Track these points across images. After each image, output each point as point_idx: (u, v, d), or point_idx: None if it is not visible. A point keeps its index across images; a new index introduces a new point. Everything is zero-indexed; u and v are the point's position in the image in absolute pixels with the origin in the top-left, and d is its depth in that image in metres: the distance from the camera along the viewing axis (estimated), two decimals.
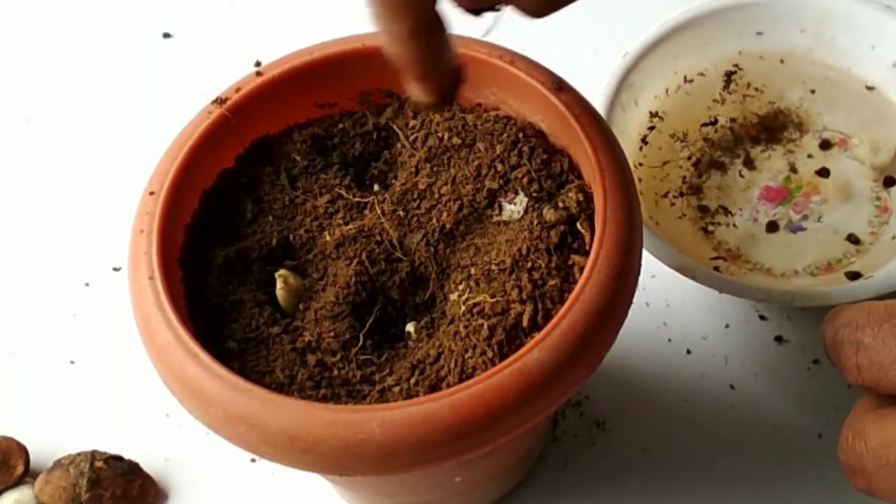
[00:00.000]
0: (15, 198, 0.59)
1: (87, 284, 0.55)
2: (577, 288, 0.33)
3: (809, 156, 0.53)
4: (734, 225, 0.51)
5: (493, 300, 0.35)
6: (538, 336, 0.32)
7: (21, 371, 0.52)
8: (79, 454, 0.46)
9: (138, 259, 0.36)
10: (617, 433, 0.47)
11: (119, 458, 0.46)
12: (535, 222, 0.37)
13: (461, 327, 0.35)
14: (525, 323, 0.34)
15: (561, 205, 0.37)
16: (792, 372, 0.49)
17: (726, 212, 0.52)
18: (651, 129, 0.54)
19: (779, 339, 0.50)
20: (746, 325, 0.50)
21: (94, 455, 0.45)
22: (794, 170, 0.53)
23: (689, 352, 0.50)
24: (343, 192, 0.40)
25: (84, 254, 0.55)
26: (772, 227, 0.51)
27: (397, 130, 0.41)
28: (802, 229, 0.51)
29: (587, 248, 0.36)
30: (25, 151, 0.61)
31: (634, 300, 0.35)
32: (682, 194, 0.52)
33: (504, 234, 0.37)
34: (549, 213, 0.37)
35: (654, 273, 0.49)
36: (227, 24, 0.65)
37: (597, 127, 0.38)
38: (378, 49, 0.41)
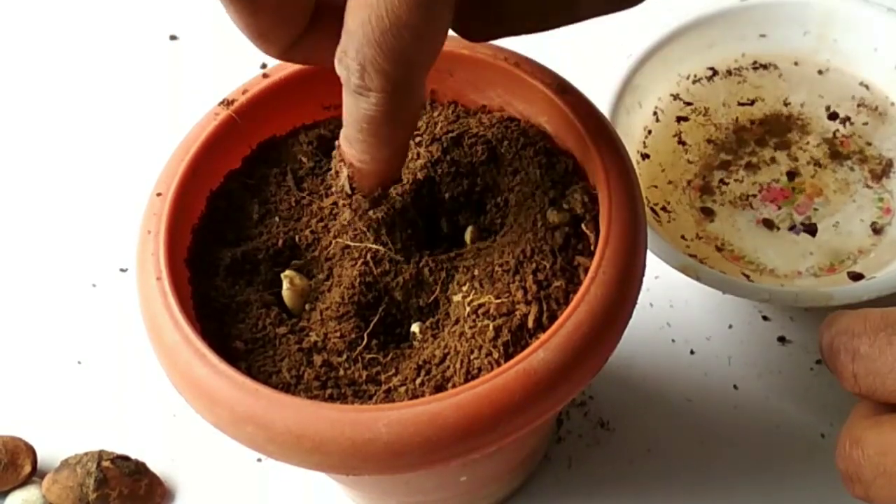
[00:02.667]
0: (22, 199, 0.59)
1: (94, 285, 0.55)
2: (582, 289, 0.33)
3: (812, 157, 0.53)
4: (737, 226, 0.51)
5: (498, 301, 0.35)
6: (543, 337, 0.33)
7: (28, 371, 0.52)
8: (86, 454, 0.46)
9: (146, 260, 0.36)
10: (621, 433, 0.47)
11: (126, 458, 0.46)
12: (540, 224, 0.37)
13: (466, 328, 0.35)
14: (530, 324, 0.34)
15: (566, 206, 0.37)
16: (795, 372, 0.49)
17: (729, 213, 0.52)
18: (654, 131, 0.54)
19: (782, 339, 0.50)
20: (750, 325, 0.50)
21: (101, 455, 0.46)
22: (797, 171, 0.53)
23: (692, 352, 0.50)
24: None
25: (91, 255, 0.56)
26: (774, 228, 0.51)
27: None
28: (805, 230, 0.51)
29: (592, 249, 0.36)
30: (31, 153, 0.61)
31: (638, 301, 0.35)
32: (685, 195, 0.52)
33: (508, 235, 0.38)
34: (553, 215, 0.37)
35: (658, 274, 0.49)
36: (234, 27, 0.65)
37: (601, 129, 0.38)
38: None
